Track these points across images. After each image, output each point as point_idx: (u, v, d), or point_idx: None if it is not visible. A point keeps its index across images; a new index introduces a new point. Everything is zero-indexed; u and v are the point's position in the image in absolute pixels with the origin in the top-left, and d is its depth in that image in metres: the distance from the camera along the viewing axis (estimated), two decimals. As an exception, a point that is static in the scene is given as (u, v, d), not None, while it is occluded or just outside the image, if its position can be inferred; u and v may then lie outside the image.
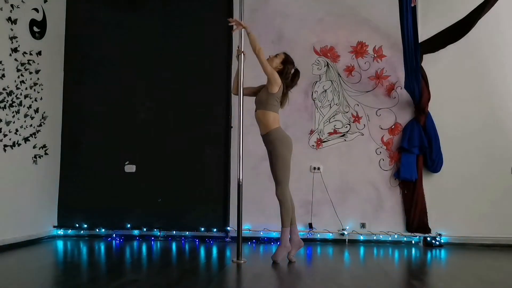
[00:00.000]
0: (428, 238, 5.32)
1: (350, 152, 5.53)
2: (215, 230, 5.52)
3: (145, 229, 5.56)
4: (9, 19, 4.80)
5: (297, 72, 4.43)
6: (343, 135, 5.57)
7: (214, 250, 4.94)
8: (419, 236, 5.36)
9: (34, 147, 5.22)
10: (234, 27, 4.43)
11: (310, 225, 5.45)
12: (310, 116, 5.60)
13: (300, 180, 5.41)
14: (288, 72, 4.36)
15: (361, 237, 5.43)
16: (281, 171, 4.26)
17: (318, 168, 5.52)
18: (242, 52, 4.44)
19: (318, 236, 5.44)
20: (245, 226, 5.29)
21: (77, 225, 5.60)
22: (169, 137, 5.65)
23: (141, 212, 5.59)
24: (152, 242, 5.35)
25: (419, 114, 5.39)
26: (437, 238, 5.31)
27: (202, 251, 4.92)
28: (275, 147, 4.26)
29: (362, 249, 5.09)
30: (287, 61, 4.38)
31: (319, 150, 5.56)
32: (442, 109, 5.45)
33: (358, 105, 5.57)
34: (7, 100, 4.80)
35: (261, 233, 5.47)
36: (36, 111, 5.23)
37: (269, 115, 4.27)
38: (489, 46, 5.51)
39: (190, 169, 5.60)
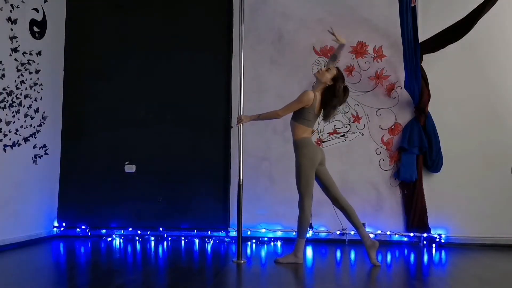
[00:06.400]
0: (428, 238, 5.32)
1: (350, 152, 5.53)
2: (215, 230, 5.52)
3: (145, 229, 5.56)
4: (9, 19, 4.80)
5: (346, 90, 4.32)
6: (343, 135, 5.57)
7: (214, 250, 4.94)
8: (419, 236, 5.36)
9: (34, 147, 5.22)
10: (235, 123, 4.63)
11: (310, 225, 5.44)
12: (310, 116, 5.59)
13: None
14: (338, 90, 4.24)
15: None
16: (299, 181, 4.23)
17: (318, 168, 5.52)
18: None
19: (318, 236, 5.44)
20: (245, 226, 5.28)
21: (77, 225, 5.60)
22: (169, 137, 5.65)
23: (141, 212, 5.59)
24: (152, 242, 5.35)
25: (419, 114, 5.39)
26: (437, 238, 5.31)
27: (202, 251, 4.92)
28: (296, 156, 4.26)
29: (362, 249, 5.08)
30: (339, 77, 4.28)
31: (319, 150, 5.56)
32: (442, 109, 5.45)
33: (358, 105, 5.57)
34: (7, 100, 4.80)
35: (261, 232, 5.47)
36: (36, 111, 5.23)
37: (298, 127, 4.27)
38: (489, 46, 5.50)
39: (190, 169, 5.60)
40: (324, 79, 4.29)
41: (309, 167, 4.21)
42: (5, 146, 4.77)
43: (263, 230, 5.46)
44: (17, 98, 4.94)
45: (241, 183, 4.39)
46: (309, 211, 4.25)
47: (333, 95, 4.25)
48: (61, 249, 5.00)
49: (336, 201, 4.33)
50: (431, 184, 5.42)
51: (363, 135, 5.56)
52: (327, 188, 4.35)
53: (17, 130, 4.94)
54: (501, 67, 5.50)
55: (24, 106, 5.04)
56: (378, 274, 4.05)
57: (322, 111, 4.36)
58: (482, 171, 5.42)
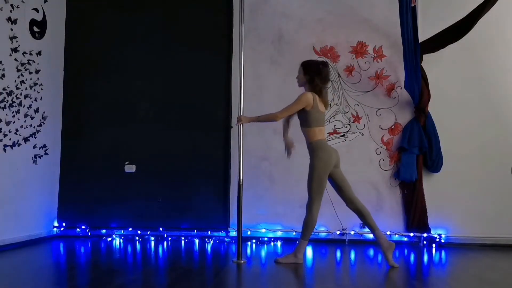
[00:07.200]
0: (428, 238, 5.32)
1: (350, 152, 5.52)
2: (215, 230, 5.52)
3: (145, 229, 5.56)
4: (9, 19, 4.80)
5: (324, 65, 4.32)
6: (343, 135, 5.57)
7: (214, 250, 4.94)
8: (419, 236, 5.35)
9: (34, 147, 5.22)
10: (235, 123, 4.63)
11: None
12: (310, 116, 5.58)
13: (301, 181, 5.39)
14: (316, 78, 4.25)
15: (361, 237, 5.43)
16: (311, 183, 4.21)
17: (318, 168, 5.51)
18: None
19: (318, 236, 5.44)
20: (245, 226, 5.28)
21: (77, 225, 5.60)
22: (169, 137, 5.65)
23: (141, 212, 5.59)
24: (152, 242, 5.35)
25: (419, 114, 5.39)
26: (437, 238, 5.30)
27: (202, 251, 4.92)
28: (311, 158, 4.24)
29: (362, 249, 5.09)
30: (308, 69, 4.30)
31: (319, 150, 5.55)
32: (442, 109, 5.45)
33: (358, 105, 5.57)
34: (7, 100, 4.80)
35: (261, 232, 5.47)
36: (36, 111, 5.23)
37: (310, 131, 4.24)
38: (489, 46, 5.50)
39: (190, 169, 5.60)
40: (301, 81, 4.34)
41: (323, 170, 4.19)
42: (5, 146, 4.77)
43: (263, 230, 5.46)
44: (17, 98, 4.94)
45: (241, 183, 4.39)
46: (317, 215, 4.23)
47: (313, 76, 4.25)
48: (61, 249, 5.00)
49: (351, 203, 4.30)
50: (431, 184, 5.41)
51: (363, 135, 5.56)
52: (341, 190, 4.32)
53: (17, 130, 4.94)
54: (501, 67, 5.50)
55: (24, 106, 5.04)
56: (378, 274, 4.05)
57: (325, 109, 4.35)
58: (482, 171, 5.42)
